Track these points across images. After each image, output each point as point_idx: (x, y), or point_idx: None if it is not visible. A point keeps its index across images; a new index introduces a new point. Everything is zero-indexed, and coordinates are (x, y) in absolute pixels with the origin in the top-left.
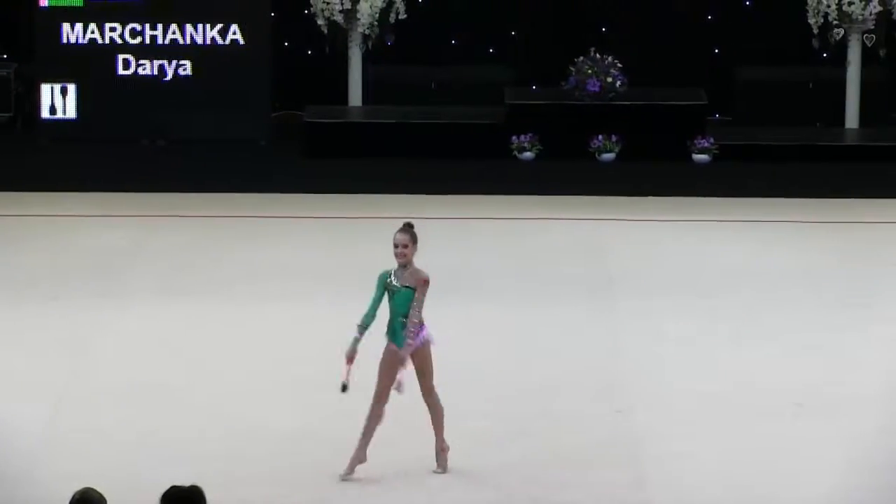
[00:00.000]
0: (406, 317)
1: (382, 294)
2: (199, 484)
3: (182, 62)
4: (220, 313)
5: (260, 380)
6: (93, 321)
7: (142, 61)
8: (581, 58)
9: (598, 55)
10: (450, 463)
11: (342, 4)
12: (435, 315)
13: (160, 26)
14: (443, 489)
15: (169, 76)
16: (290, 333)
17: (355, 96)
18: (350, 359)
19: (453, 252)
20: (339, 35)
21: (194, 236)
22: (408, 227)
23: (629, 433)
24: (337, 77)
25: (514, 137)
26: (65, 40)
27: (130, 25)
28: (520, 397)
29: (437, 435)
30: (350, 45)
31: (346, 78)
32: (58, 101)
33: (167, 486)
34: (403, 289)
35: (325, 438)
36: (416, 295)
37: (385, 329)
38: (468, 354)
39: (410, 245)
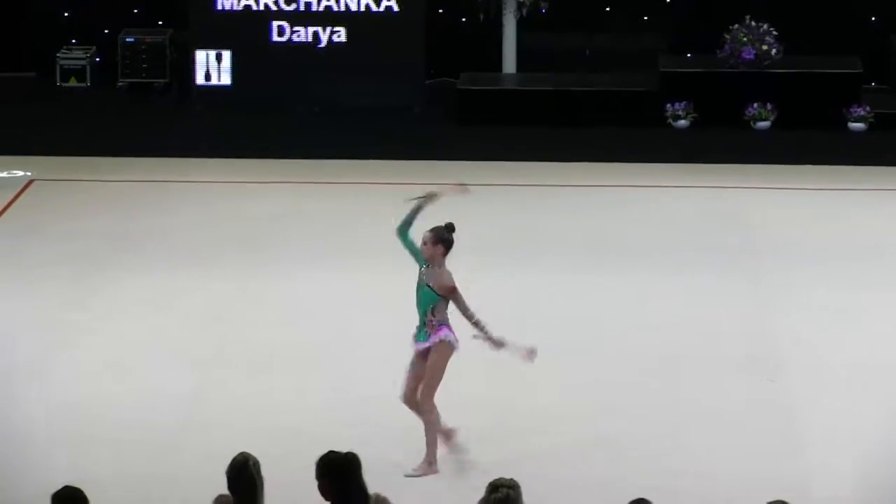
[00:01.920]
0: (425, 314)
1: (412, 247)
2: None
3: (336, 29)
4: (372, 280)
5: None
6: (244, 287)
7: (296, 28)
8: (736, 25)
9: (753, 23)
10: (595, 432)
11: None
12: (583, 283)
13: None
14: (603, 458)
15: (323, 43)
16: None
17: (509, 64)
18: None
19: (606, 220)
20: (493, 2)
21: (347, 203)
22: (439, 228)
23: (779, 403)
24: (491, 44)
25: (668, 105)
26: (219, 7)
27: None
28: (665, 366)
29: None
30: (504, 12)
31: (499, 45)
32: (212, 67)
33: (316, 451)
34: (426, 287)
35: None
36: (456, 302)
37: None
38: (615, 323)
39: (430, 244)
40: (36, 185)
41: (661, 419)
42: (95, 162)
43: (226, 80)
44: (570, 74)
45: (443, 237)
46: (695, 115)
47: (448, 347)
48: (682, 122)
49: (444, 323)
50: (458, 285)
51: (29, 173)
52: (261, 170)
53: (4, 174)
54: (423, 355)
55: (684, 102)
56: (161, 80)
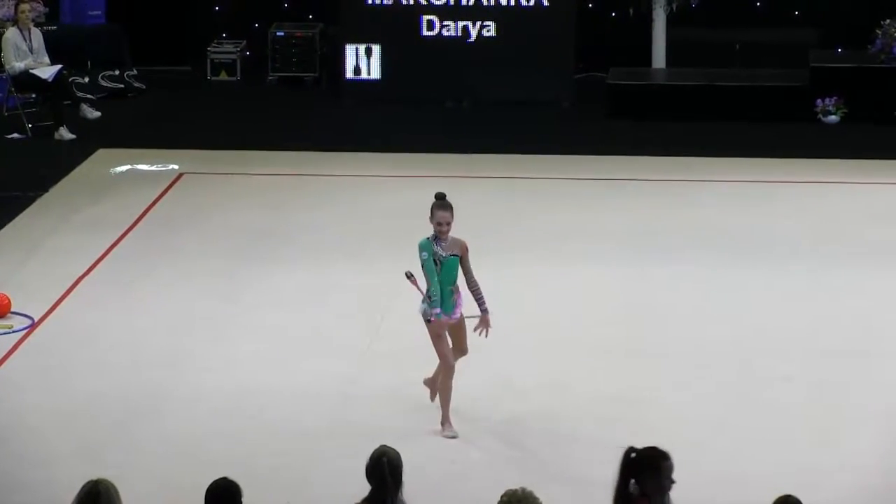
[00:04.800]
0: (453, 285)
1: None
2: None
3: (486, 23)
4: (525, 274)
5: (555, 342)
6: (393, 281)
7: (446, 22)
8: (888, 20)
9: None
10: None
11: None
12: (730, 279)
13: None
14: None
15: (473, 37)
16: (586, 295)
17: (658, 58)
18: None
19: (754, 215)
20: None
21: (496, 197)
22: (447, 203)
23: None
24: (640, 39)
25: (818, 100)
26: (369, 1)
27: None
28: (818, 361)
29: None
30: (654, 6)
31: (649, 40)
32: (362, 61)
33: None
34: (450, 257)
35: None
36: (466, 264)
37: (435, 310)
38: (762, 319)
39: (451, 220)
40: (185, 179)
41: (814, 414)
42: (244, 156)
43: (375, 74)
44: (719, 69)
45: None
46: (845, 110)
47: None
48: (832, 118)
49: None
50: None
51: (178, 167)
52: (410, 164)
53: (155, 167)
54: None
55: (834, 98)
56: (311, 75)
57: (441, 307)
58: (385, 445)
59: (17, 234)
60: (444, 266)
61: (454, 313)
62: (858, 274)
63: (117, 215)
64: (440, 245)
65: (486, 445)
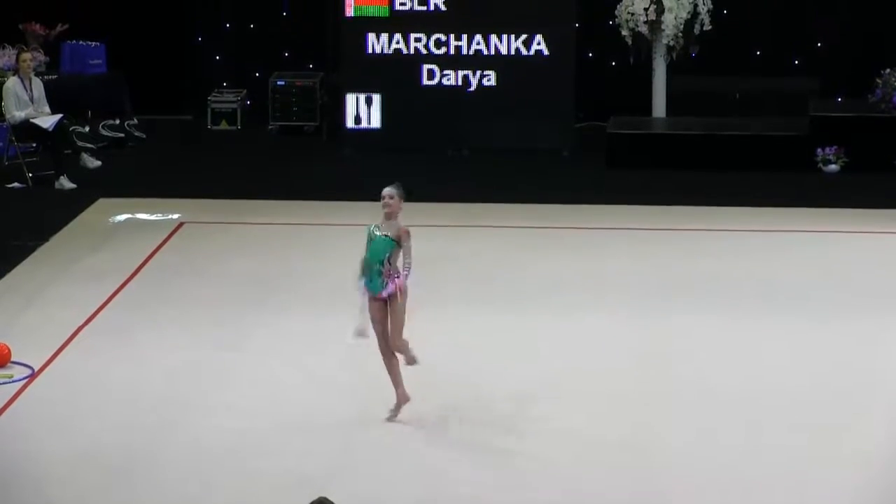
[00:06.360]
0: (381, 263)
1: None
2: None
3: (486, 73)
4: (527, 323)
5: (559, 390)
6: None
7: (446, 72)
8: (888, 70)
9: None
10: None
11: (647, 16)
12: (730, 327)
13: (465, 37)
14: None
15: (473, 87)
16: (588, 344)
17: (659, 107)
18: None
19: (754, 264)
20: (643, 46)
21: (496, 246)
22: (395, 183)
23: None
24: (641, 88)
25: (818, 149)
26: (370, 51)
27: (435, 36)
28: (819, 409)
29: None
30: (654, 56)
31: (649, 89)
32: (362, 111)
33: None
34: (382, 237)
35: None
36: (404, 244)
37: (360, 278)
38: (761, 368)
39: (396, 198)
40: (186, 228)
41: (821, 462)
42: (245, 204)
43: (375, 123)
44: (720, 119)
45: (402, 194)
46: (846, 159)
47: (406, 291)
48: (833, 167)
49: (398, 271)
50: None
51: (179, 216)
52: (410, 213)
53: (155, 217)
54: (379, 303)
55: (834, 147)
56: (311, 124)
57: (367, 282)
58: (323, 497)
59: (17, 283)
60: (373, 243)
61: (380, 293)
62: (861, 322)
63: (118, 264)
64: (380, 224)
65: (493, 492)
